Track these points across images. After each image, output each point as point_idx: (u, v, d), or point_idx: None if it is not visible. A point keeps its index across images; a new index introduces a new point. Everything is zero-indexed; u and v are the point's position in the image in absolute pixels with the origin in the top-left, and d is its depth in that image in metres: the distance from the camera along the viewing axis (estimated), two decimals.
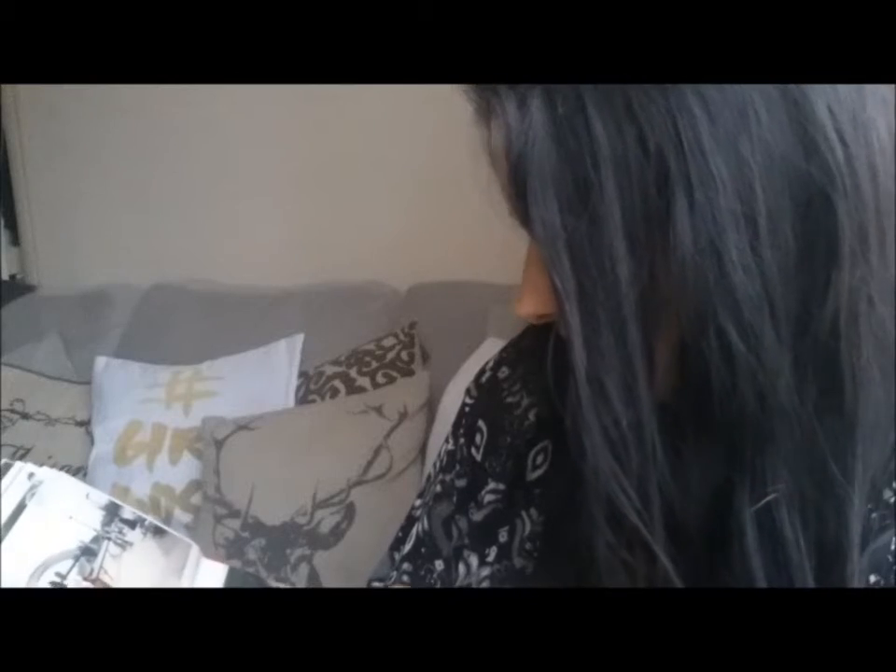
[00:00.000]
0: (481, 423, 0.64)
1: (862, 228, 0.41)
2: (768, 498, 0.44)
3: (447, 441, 0.67)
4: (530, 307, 0.47)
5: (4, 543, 0.44)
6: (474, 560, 0.60)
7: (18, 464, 0.47)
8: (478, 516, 0.62)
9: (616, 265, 0.41)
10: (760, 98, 0.40)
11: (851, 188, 0.41)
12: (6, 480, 0.46)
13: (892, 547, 0.45)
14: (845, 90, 0.41)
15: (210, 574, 0.52)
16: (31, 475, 0.47)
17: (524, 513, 0.59)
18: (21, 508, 0.46)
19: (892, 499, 0.45)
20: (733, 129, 0.39)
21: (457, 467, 0.65)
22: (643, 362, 0.42)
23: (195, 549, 0.52)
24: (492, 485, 0.61)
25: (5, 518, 0.45)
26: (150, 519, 0.51)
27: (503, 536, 0.59)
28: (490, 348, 1.48)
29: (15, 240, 2.32)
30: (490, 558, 0.59)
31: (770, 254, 0.40)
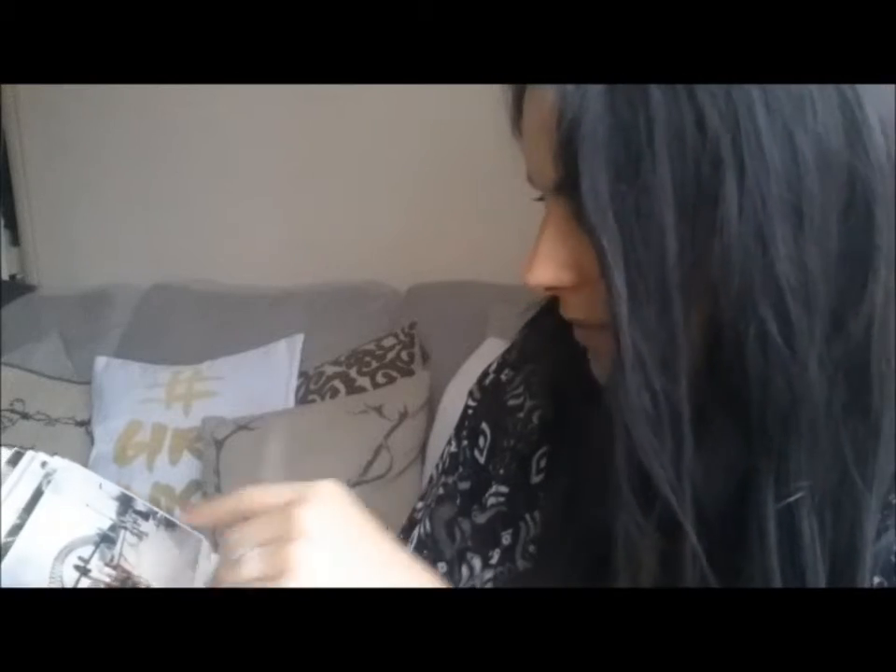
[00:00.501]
0: (484, 425, 0.64)
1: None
2: (794, 497, 0.44)
3: (449, 443, 0.67)
4: (544, 277, 0.47)
5: (24, 529, 0.44)
6: (477, 562, 0.60)
7: (30, 452, 0.48)
8: (481, 519, 0.62)
9: (664, 237, 0.41)
10: (818, 94, 0.40)
11: (892, 194, 0.41)
12: (19, 467, 0.47)
13: (895, 548, 0.45)
14: (889, 97, 0.41)
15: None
16: (44, 463, 0.48)
17: (527, 516, 0.59)
18: (38, 495, 0.46)
19: (894, 500, 0.45)
20: (790, 120, 0.40)
21: (460, 469, 0.64)
22: (685, 338, 0.42)
23: (205, 543, 0.52)
24: (495, 488, 0.61)
25: (24, 504, 0.45)
26: (161, 512, 0.51)
27: (507, 538, 0.59)
28: (490, 348, 1.48)
29: (15, 240, 2.32)
30: (493, 561, 0.59)
31: (814, 248, 0.41)
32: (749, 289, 0.41)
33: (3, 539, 0.44)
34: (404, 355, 1.69)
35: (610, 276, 0.42)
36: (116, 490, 0.50)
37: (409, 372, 1.66)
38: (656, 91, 0.40)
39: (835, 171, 0.41)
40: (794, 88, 0.40)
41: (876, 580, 0.45)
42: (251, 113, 1.97)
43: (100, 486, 0.50)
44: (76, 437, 1.81)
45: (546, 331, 0.56)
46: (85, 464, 1.74)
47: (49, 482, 0.47)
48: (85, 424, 1.83)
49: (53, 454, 0.49)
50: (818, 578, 0.44)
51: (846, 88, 0.41)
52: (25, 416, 1.84)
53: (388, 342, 1.72)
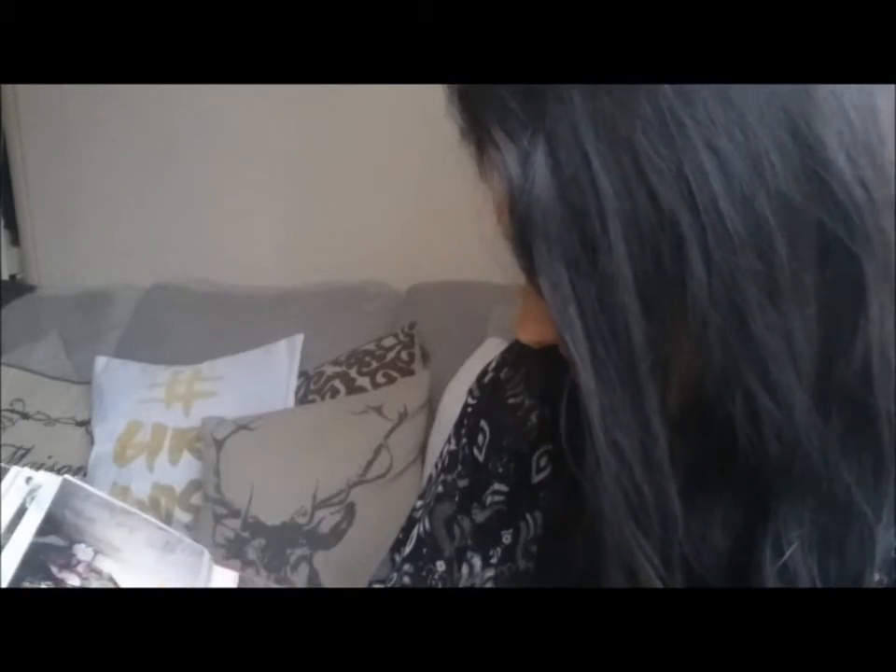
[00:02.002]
0: (483, 423, 0.64)
1: (889, 270, 0.40)
2: (789, 552, 0.43)
3: (449, 441, 0.67)
4: (533, 336, 0.46)
5: (7, 547, 0.44)
6: (478, 561, 0.60)
7: (15, 468, 0.47)
8: (480, 517, 0.62)
9: (630, 328, 0.39)
10: (773, 147, 0.38)
11: (875, 231, 0.39)
12: (3, 484, 0.46)
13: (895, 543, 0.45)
14: (861, 129, 0.39)
15: (222, 581, 0.51)
16: (28, 479, 0.47)
17: (528, 516, 0.59)
18: (21, 512, 0.46)
19: None
20: (749, 183, 0.38)
21: (459, 467, 0.65)
22: (662, 425, 0.41)
23: (207, 554, 0.52)
24: (495, 486, 0.61)
25: (6, 523, 0.45)
26: (155, 521, 0.51)
27: (507, 538, 0.59)
28: (490, 348, 1.48)
29: (15, 240, 2.32)
30: (494, 560, 0.59)
31: (792, 307, 0.39)
32: (732, 366, 0.40)
33: None
34: (404, 355, 1.69)
35: (577, 372, 0.41)
36: (103, 500, 0.50)
37: (409, 372, 1.66)
38: (604, 177, 0.38)
39: (805, 224, 0.39)
40: (748, 146, 0.38)
41: (876, 577, 0.45)
42: (251, 113, 1.97)
43: (88, 497, 0.49)
44: (76, 437, 1.81)
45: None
46: (85, 464, 1.74)
47: (33, 498, 0.46)
48: (85, 424, 1.83)
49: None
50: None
51: (804, 132, 0.38)
52: (25, 416, 1.84)
53: (388, 342, 1.72)
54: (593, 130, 0.38)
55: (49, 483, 0.47)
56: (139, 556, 0.48)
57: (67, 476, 0.48)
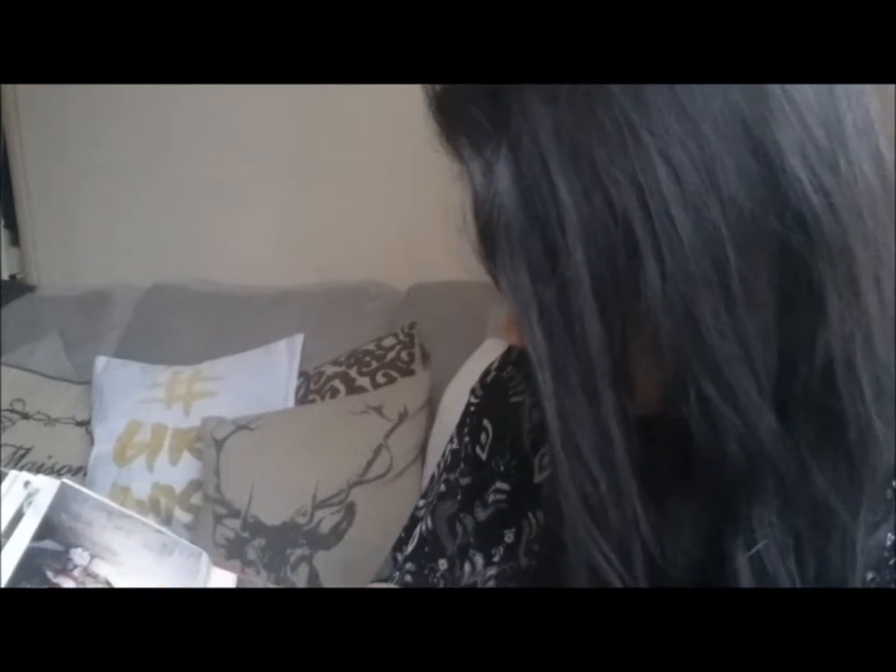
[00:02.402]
0: (486, 422, 0.64)
1: (852, 276, 0.40)
2: (760, 545, 0.43)
3: (451, 440, 0.67)
4: (519, 339, 0.47)
5: (3, 552, 0.44)
6: (480, 560, 0.60)
7: (13, 472, 0.47)
8: (482, 516, 0.62)
9: (587, 332, 0.40)
10: (728, 156, 0.39)
11: (835, 238, 0.40)
12: (2, 488, 0.46)
13: (888, 543, 0.45)
14: (821, 135, 0.40)
15: (221, 584, 0.51)
16: (27, 483, 0.47)
17: (530, 515, 0.59)
18: (19, 517, 0.46)
19: (890, 495, 0.45)
20: (701, 191, 0.38)
21: (462, 465, 0.65)
22: (619, 428, 0.42)
23: (205, 556, 0.52)
24: (497, 485, 0.61)
25: (4, 527, 0.45)
26: (153, 524, 0.50)
27: (509, 536, 0.59)
28: (490, 348, 1.48)
29: (15, 240, 2.32)
30: (496, 558, 0.59)
31: (746, 313, 0.40)
32: (685, 368, 0.40)
33: None
34: (404, 355, 1.69)
35: (536, 375, 0.42)
36: (101, 503, 0.49)
37: (409, 372, 1.66)
38: (563, 185, 0.39)
39: (758, 232, 0.39)
40: (701, 154, 0.38)
41: (869, 575, 0.45)
42: (251, 113, 1.97)
43: (86, 500, 0.49)
44: (76, 437, 1.81)
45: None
46: (85, 464, 1.74)
47: (30, 503, 0.46)
48: (85, 424, 1.82)
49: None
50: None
51: (764, 141, 0.39)
52: (25, 416, 1.84)
53: (388, 342, 1.72)
54: (554, 141, 0.40)
55: (46, 487, 0.47)
56: (136, 559, 0.48)
57: (65, 479, 0.48)
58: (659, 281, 0.39)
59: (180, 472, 1.66)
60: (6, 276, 2.30)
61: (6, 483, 0.46)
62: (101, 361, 1.88)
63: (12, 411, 1.84)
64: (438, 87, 0.45)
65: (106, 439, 1.74)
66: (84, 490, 0.48)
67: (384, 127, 1.85)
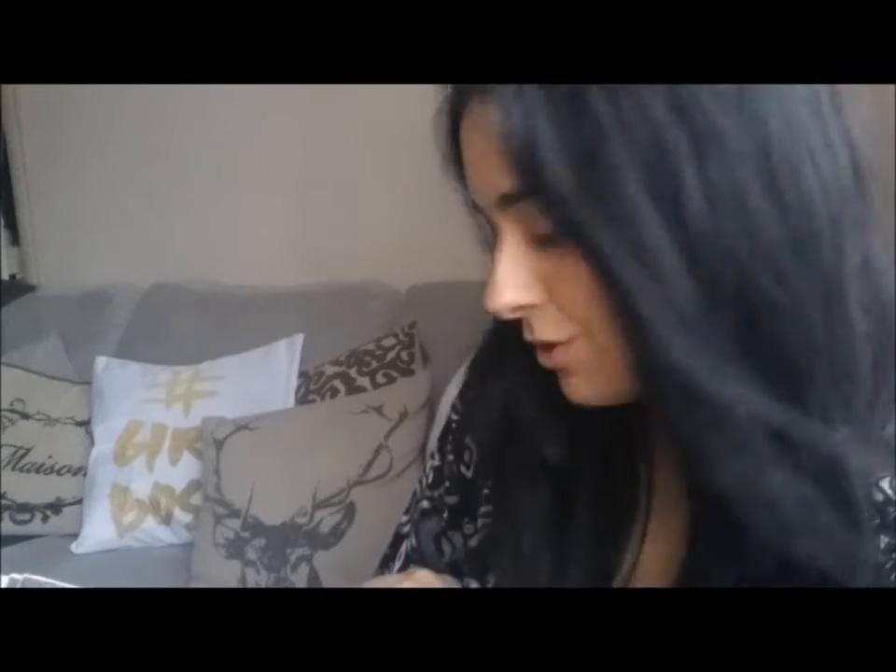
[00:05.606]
0: (468, 440, 0.62)
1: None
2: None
3: (432, 456, 0.65)
4: (511, 297, 0.46)
5: None
6: (475, 585, 0.59)
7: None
8: (473, 541, 0.61)
9: (638, 214, 0.40)
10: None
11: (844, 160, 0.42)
12: None
13: (881, 546, 0.45)
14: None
15: None
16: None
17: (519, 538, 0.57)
18: None
19: (881, 498, 0.45)
20: (734, 90, 0.40)
21: (447, 483, 0.63)
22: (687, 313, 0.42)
23: None
24: (485, 508, 0.60)
25: None
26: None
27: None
28: None
29: (15, 240, 2.32)
30: (490, 584, 0.58)
31: (796, 200, 0.41)
32: (739, 257, 0.41)
33: None
34: (404, 355, 1.69)
35: (590, 250, 0.42)
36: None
37: (409, 372, 1.66)
38: (595, 92, 0.40)
39: (799, 125, 0.41)
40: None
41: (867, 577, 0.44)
42: (251, 113, 1.97)
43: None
44: (76, 437, 1.81)
45: (511, 339, 0.54)
46: (85, 464, 1.75)
47: None
48: (85, 424, 1.83)
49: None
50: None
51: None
52: (25, 416, 1.84)
53: (388, 342, 1.72)
54: None
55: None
56: None
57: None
58: (697, 164, 0.40)
59: (180, 472, 1.66)
60: (6, 276, 2.30)
61: None
62: (101, 361, 1.88)
63: (12, 411, 1.84)
64: None
65: (106, 439, 1.74)
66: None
67: (384, 127, 1.85)
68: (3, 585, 0.46)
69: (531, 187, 0.43)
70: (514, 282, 0.46)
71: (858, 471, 0.43)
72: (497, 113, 0.42)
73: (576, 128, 0.41)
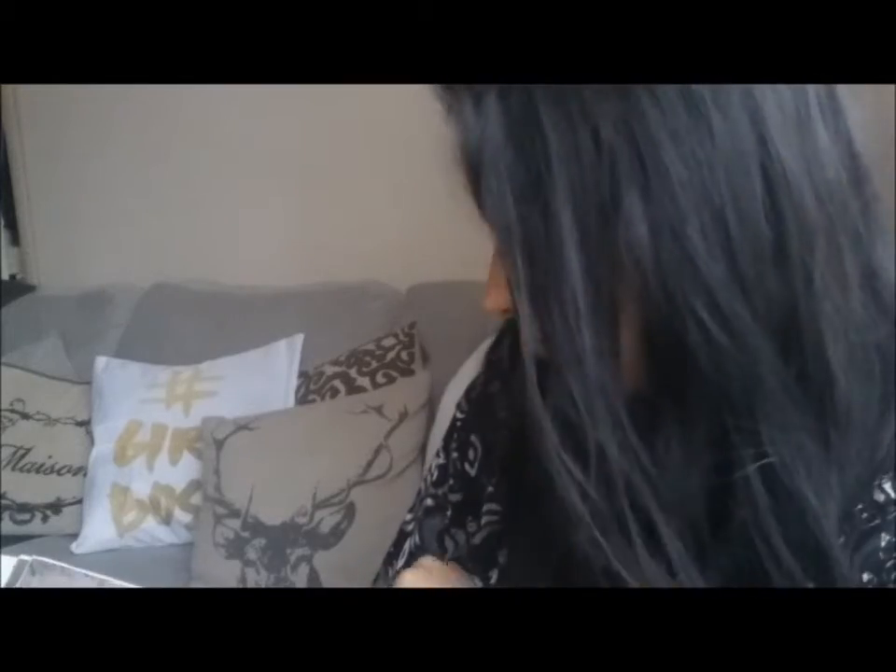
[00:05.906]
0: (473, 438, 0.63)
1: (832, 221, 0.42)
2: (770, 459, 0.43)
3: (437, 454, 0.66)
4: (494, 302, 0.48)
5: None
6: (478, 583, 0.59)
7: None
8: (477, 539, 0.61)
9: (566, 258, 0.41)
10: (711, 95, 0.40)
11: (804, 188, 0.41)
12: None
13: (882, 544, 0.45)
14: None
15: None
16: None
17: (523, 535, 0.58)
18: None
19: (882, 498, 0.45)
20: (686, 122, 0.40)
21: (451, 481, 0.64)
22: (603, 355, 0.42)
23: None
24: (488, 506, 0.60)
25: None
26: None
27: (503, 557, 0.59)
28: None
29: (15, 240, 2.32)
30: (493, 581, 0.59)
31: (740, 234, 0.40)
32: (675, 289, 0.41)
33: None
34: (404, 355, 1.69)
35: (514, 299, 0.43)
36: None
37: (409, 372, 1.66)
38: (548, 116, 0.41)
39: (747, 163, 0.40)
40: (688, 93, 0.40)
41: (865, 577, 0.45)
42: (251, 113, 1.97)
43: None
44: (76, 437, 1.81)
45: (508, 355, 0.55)
46: (85, 464, 1.75)
47: None
48: (85, 424, 1.83)
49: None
50: (822, 527, 0.43)
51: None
52: (25, 416, 1.84)
53: (388, 342, 1.72)
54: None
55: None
56: None
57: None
58: (640, 202, 0.40)
59: (180, 472, 1.66)
60: (6, 276, 2.30)
61: None
62: (101, 361, 1.88)
63: (12, 411, 1.84)
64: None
65: (106, 439, 1.74)
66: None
67: (384, 127, 1.85)
68: (13, 567, 0.47)
69: (482, 214, 0.44)
70: (499, 287, 0.47)
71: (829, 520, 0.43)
72: (456, 129, 0.44)
73: (526, 154, 0.41)
